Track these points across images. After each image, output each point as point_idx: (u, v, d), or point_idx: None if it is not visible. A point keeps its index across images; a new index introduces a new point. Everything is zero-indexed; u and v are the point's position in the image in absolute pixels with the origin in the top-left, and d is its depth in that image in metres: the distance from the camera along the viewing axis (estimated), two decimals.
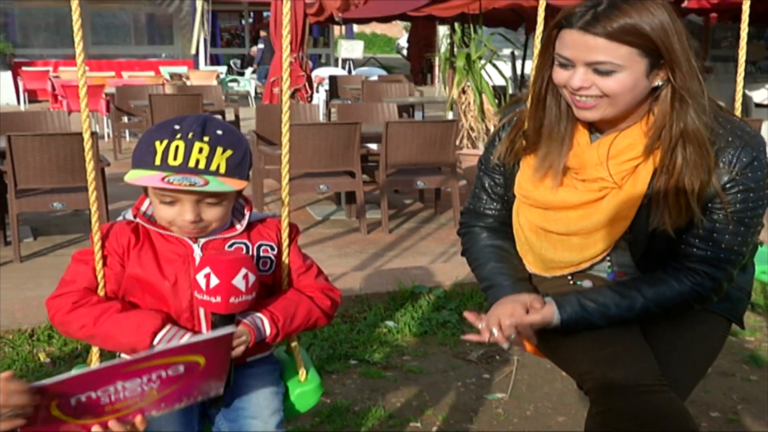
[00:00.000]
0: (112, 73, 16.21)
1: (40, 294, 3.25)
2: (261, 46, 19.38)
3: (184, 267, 2.09)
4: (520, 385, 3.91)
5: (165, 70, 17.68)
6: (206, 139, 2.00)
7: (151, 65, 19.81)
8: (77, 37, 2.02)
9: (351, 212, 7.37)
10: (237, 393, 2.19)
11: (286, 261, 2.25)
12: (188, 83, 15.10)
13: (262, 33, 20.02)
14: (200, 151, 1.99)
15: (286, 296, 2.21)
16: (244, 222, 2.19)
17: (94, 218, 2.13)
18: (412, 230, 7.02)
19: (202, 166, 1.98)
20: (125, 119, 11.27)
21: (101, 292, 2.11)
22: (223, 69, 18.95)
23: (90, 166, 2.13)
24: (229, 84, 18.22)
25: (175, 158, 1.98)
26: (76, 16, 2.06)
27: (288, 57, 2.47)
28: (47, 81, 15.20)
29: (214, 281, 1.94)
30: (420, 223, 7.31)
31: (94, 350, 2.25)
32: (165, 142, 2.00)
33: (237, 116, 11.20)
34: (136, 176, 1.99)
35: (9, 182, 5.82)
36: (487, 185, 2.48)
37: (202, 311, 2.10)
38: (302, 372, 2.34)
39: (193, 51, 20.31)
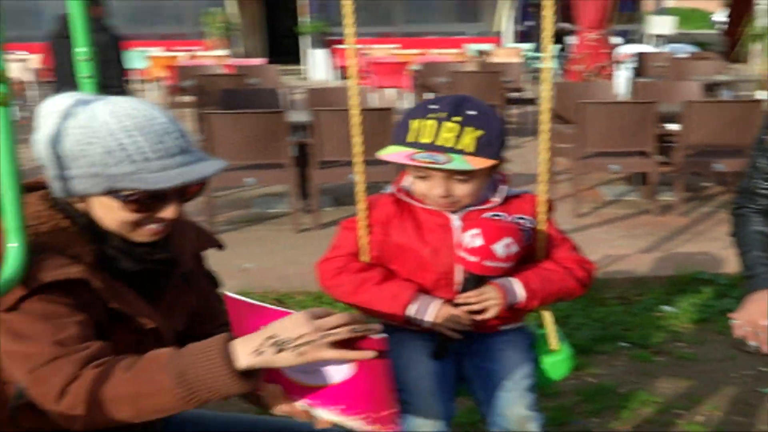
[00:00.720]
0: (420, 50, 16.79)
1: None
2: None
3: (443, 235, 2.22)
4: None
5: (470, 47, 17.99)
6: (457, 119, 2.09)
7: (457, 42, 20.26)
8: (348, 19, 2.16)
9: (644, 193, 7.17)
10: (489, 357, 2.30)
11: (543, 234, 2.30)
12: (490, 60, 15.29)
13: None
14: (449, 130, 2.08)
15: (541, 265, 2.29)
16: (501, 195, 2.27)
17: (360, 188, 2.28)
18: (707, 215, 6.71)
19: (450, 144, 2.07)
20: (431, 95, 11.74)
21: (365, 258, 2.29)
22: (529, 46, 18.94)
23: (357, 140, 2.29)
24: (533, 61, 18.20)
25: (426, 136, 2.09)
26: None
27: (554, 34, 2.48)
28: (359, 58, 16.06)
29: (478, 242, 2.07)
30: (716, 207, 6.97)
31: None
32: (419, 120, 2.11)
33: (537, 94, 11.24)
34: (387, 152, 2.13)
35: (312, 155, 6.29)
36: (759, 165, 2.37)
37: (458, 275, 2.21)
38: (554, 342, 2.40)
39: (501, 28, 20.50)
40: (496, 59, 15.28)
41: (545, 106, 2.26)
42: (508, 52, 16.92)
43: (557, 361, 2.39)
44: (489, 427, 2.29)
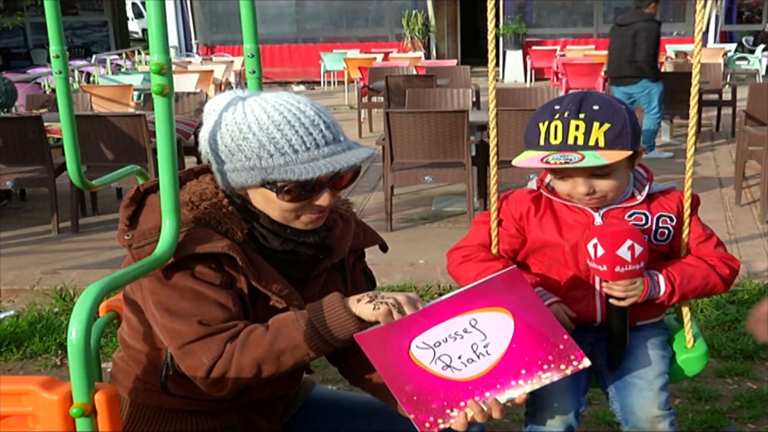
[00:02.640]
0: None
1: None
2: None
3: (585, 234, 2.23)
4: None
5: (670, 48, 17.43)
6: (582, 116, 2.12)
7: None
8: (490, 15, 2.26)
9: None
10: (625, 353, 2.32)
11: (686, 231, 2.29)
12: (692, 61, 14.76)
13: None
14: (577, 128, 2.12)
15: (684, 260, 2.28)
16: (644, 192, 2.28)
17: (493, 181, 2.36)
18: None
19: (580, 142, 2.11)
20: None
21: (494, 251, 2.35)
22: (732, 46, 18.13)
23: (493, 143, 2.37)
24: (737, 62, 17.39)
25: (555, 137, 2.14)
26: None
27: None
28: (553, 60, 15.93)
29: (600, 251, 2.08)
30: None
31: None
32: (546, 123, 2.16)
33: (734, 96, 10.78)
34: (521, 159, 2.19)
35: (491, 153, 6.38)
36: None
37: (597, 279, 2.25)
38: (690, 339, 2.38)
39: (703, 28, 19.73)
40: (703, 60, 14.69)
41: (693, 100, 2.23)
42: (711, 52, 16.27)
43: (691, 358, 2.37)
44: (621, 425, 2.32)
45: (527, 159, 2.17)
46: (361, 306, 1.76)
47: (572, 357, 1.82)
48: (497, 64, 20.90)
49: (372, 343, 1.74)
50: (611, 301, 2.20)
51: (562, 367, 1.82)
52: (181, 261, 1.81)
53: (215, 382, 1.82)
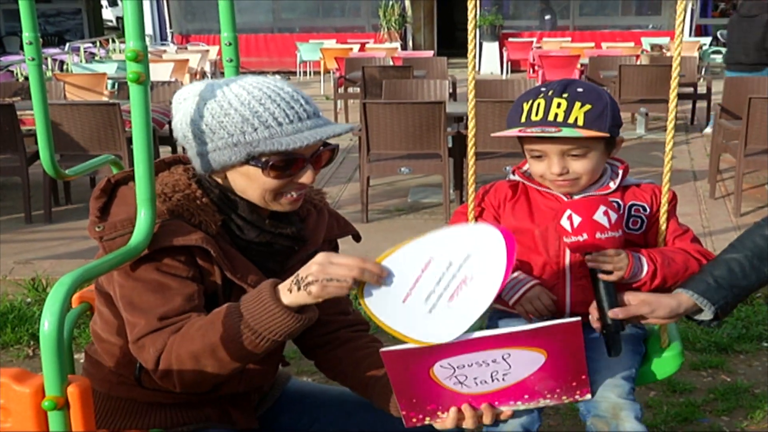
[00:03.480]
0: (592, 44, 16.52)
1: None
2: None
3: (555, 219, 2.18)
4: None
5: (646, 41, 17.52)
6: (565, 95, 2.14)
7: (633, 36, 19.77)
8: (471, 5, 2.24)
9: None
10: (592, 346, 2.22)
11: (664, 227, 2.25)
12: (668, 54, 14.85)
13: None
14: (558, 105, 2.13)
15: (662, 247, 2.25)
16: (617, 180, 2.27)
17: (471, 171, 2.34)
18: None
19: (560, 119, 2.12)
20: None
21: None
22: (708, 40, 18.25)
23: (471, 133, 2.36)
24: (712, 56, 17.51)
25: (537, 114, 2.15)
26: None
27: None
28: (529, 52, 15.98)
29: (577, 219, 2.02)
30: None
31: None
32: (530, 101, 2.18)
33: (709, 89, 10.87)
34: (501, 132, 2.21)
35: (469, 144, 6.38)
36: None
37: (567, 263, 2.24)
38: (664, 338, 2.34)
39: (686, 21, 19.88)
40: (671, 53, 14.79)
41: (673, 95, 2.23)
42: (686, 46, 16.37)
43: (664, 358, 2.33)
44: (582, 416, 2.25)
45: (507, 131, 2.19)
46: (294, 295, 1.67)
47: (578, 392, 1.83)
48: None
49: (396, 359, 1.70)
50: (600, 276, 2.10)
51: (564, 398, 1.83)
52: (151, 253, 1.78)
53: (163, 376, 1.79)
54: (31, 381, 1.54)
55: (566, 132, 2.10)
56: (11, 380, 1.54)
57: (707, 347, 3.94)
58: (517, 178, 2.33)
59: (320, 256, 1.66)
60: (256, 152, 1.80)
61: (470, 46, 2.29)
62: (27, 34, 2.46)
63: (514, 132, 2.16)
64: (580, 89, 2.16)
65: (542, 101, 2.16)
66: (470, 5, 2.18)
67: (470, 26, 2.24)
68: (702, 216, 6.48)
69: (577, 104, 2.13)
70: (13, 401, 1.54)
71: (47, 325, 1.47)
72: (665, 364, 2.34)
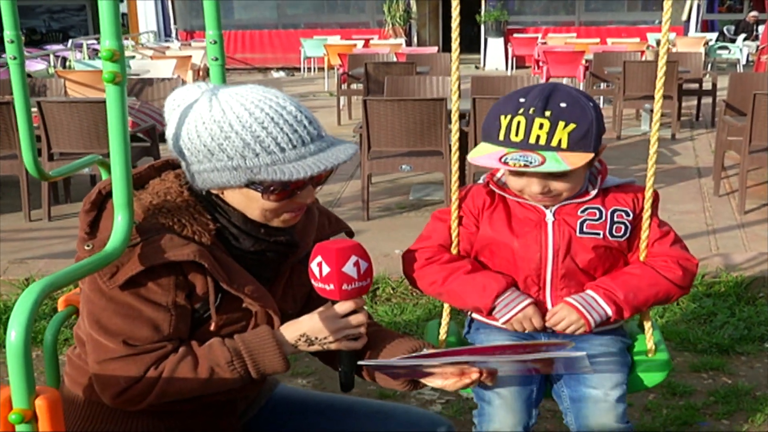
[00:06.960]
0: (597, 40, 16.42)
1: None
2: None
3: (535, 231, 2.14)
4: None
5: (651, 37, 17.42)
6: (547, 114, 2.00)
7: (639, 32, 19.67)
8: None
9: None
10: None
11: (646, 233, 2.17)
12: (674, 50, 14.76)
13: None
14: (541, 126, 2.00)
15: (628, 271, 2.17)
16: (597, 186, 2.17)
17: (454, 178, 2.23)
18: None
19: (542, 142, 1.99)
20: (602, 86, 11.53)
21: (454, 250, 2.23)
22: (714, 35, 18.16)
23: (454, 128, 2.28)
24: (718, 51, 17.41)
25: (516, 134, 2.02)
26: None
27: None
28: (534, 47, 15.89)
29: (326, 269, 1.84)
30: None
31: (446, 307, 2.31)
32: (509, 117, 2.03)
33: (714, 85, 10.78)
34: (477, 155, 2.06)
35: (470, 143, 6.33)
36: None
37: (548, 276, 2.16)
38: (651, 347, 2.28)
39: (684, 17, 19.77)
40: (677, 49, 14.74)
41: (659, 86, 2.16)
42: (692, 41, 16.28)
43: (652, 367, 2.28)
44: None
45: (485, 156, 2.04)
46: (301, 349, 1.88)
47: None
48: (478, 52, 20.96)
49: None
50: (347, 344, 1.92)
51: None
52: (135, 275, 1.72)
53: (126, 401, 1.81)
54: None
55: (550, 164, 1.98)
56: None
57: (708, 348, 3.87)
58: (489, 186, 2.22)
59: (328, 317, 1.86)
60: (257, 179, 1.74)
61: (454, 45, 2.24)
62: (8, 33, 2.42)
63: (494, 162, 2.02)
64: (563, 104, 2.02)
65: (523, 120, 2.02)
66: (454, 3, 2.11)
67: (454, 24, 2.18)
68: (706, 213, 6.41)
69: (561, 124, 2.00)
70: None
71: (14, 335, 1.42)
72: (653, 372, 2.30)
